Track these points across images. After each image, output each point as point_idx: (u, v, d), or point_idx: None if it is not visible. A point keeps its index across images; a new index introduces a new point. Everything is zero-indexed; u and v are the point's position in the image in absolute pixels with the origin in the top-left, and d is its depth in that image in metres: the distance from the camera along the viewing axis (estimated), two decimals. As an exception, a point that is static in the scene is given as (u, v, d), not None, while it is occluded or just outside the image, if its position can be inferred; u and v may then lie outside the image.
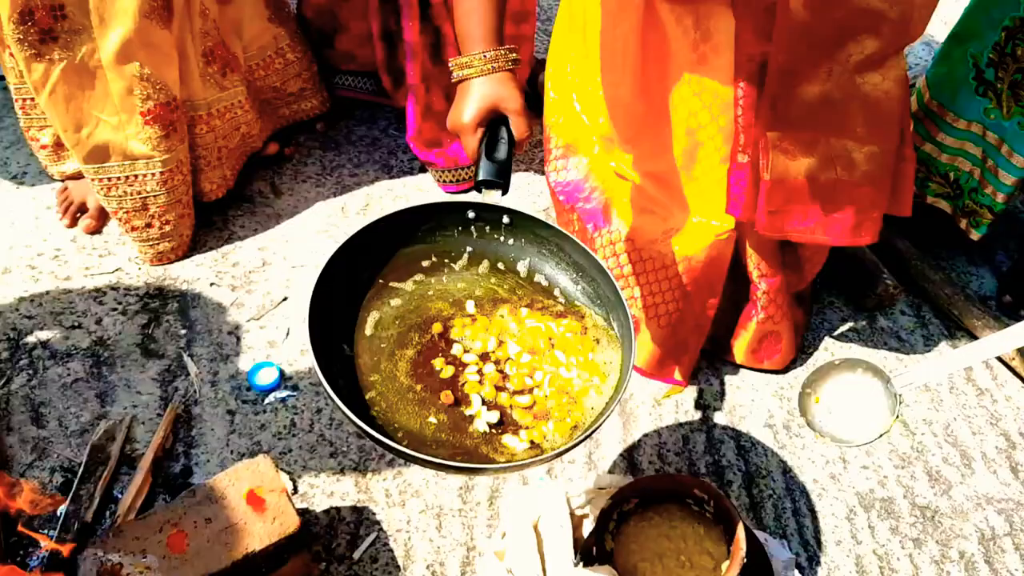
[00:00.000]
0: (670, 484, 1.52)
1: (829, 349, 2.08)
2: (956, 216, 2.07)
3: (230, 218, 2.33)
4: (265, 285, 2.16)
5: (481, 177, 1.30)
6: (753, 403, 1.96)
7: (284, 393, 1.93)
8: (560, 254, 1.36)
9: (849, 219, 1.61)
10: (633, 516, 1.53)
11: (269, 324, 2.08)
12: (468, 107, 1.30)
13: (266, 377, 1.95)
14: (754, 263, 1.83)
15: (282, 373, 1.97)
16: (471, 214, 1.36)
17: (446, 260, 1.37)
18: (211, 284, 2.16)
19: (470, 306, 1.33)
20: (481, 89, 1.29)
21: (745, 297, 1.92)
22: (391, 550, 1.69)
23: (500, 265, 1.38)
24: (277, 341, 2.05)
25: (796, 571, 1.63)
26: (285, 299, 2.13)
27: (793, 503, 1.79)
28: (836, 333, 2.11)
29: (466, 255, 1.38)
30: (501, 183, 1.30)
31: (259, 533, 1.48)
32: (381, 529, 1.72)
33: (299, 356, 2.01)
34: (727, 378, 2.00)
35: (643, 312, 1.88)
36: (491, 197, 1.30)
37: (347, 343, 1.26)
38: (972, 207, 2.03)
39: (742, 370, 2.02)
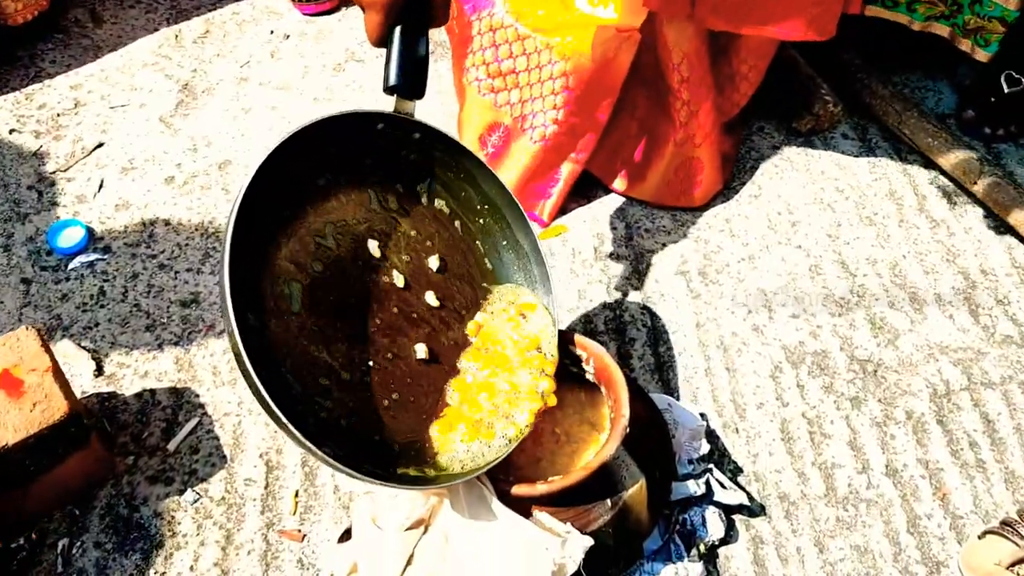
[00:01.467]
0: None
1: (757, 183, 1.75)
2: (956, 39, 1.68)
3: (39, 53, 1.92)
4: (76, 130, 1.78)
5: (394, 82, 1.00)
6: (664, 248, 1.65)
7: (92, 256, 1.59)
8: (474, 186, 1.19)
9: (806, 7, 1.35)
10: (495, 383, 1.23)
11: (79, 176, 1.71)
12: None
13: (70, 238, 1.60)
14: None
15: (90, 233, 1.62)
16: (380, 126, 1.08)
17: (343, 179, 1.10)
18: (11, 131, 1.78)
19: (373, 246, 1.11)
20: None
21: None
22: (216, 438, 1.39)
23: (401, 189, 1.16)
24: (87, 196, 1.69)
25: (705, 441, 1.35)
26: (100, 145, 1.76)
27: (707, 361, 1.50)
28: (766, 163, 1.78)
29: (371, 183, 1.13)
30: (418, 88, 1.03)
31: (13, 423, 1.16)
32: (205, 414, 1.42)
33: (113, 212, 1.66)
34: (632, 218, 1.68)
35: (515, 122, 1.54)
36: (405, 106, 1.05)
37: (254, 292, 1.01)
38: (977, 22, 1.64)
39: (652, 210, 1.69)
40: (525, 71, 1.52)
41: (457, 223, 1.19)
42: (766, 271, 1.61)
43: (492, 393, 1.11)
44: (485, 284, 1.20)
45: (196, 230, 1.64)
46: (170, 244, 1.62)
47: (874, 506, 1.35)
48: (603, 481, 1.11)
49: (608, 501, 1.12)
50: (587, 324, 1.54)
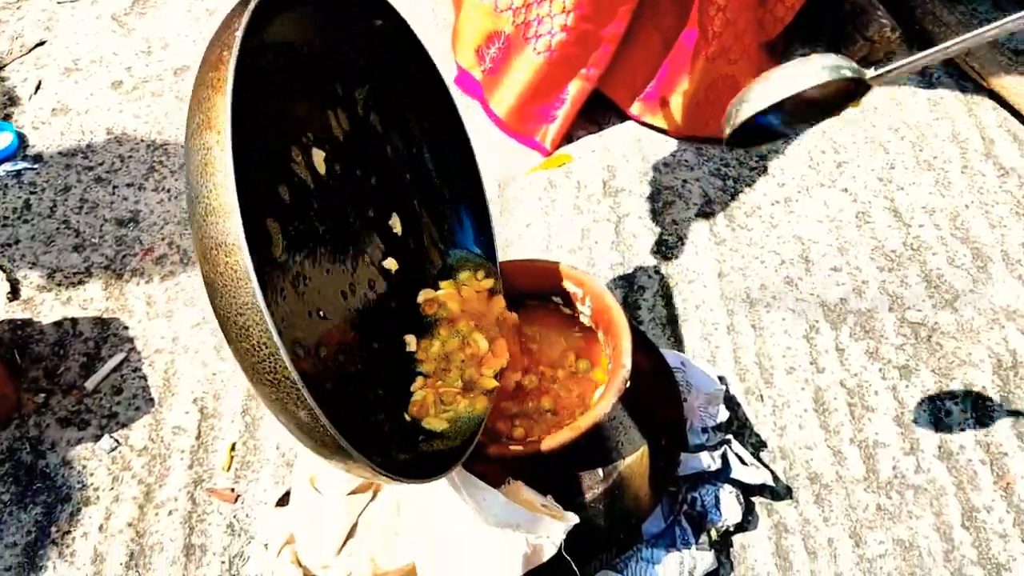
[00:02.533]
0: (527, 273, 0.99)
1: (798, 115, 1.51)
2: None
3: (-16, -59, 1.71)
4: (17, 26, 1.58)
5: None
6: (685, 186, 1.42)
7: (20, 165, 1.38)
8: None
9: None
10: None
11: (14, 76, 1.51)
12: None
13: (-3, 143, 1.39)
14: None
15: (21, 139, 1.41)
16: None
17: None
18: (-57, 25, 1.57)
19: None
20: None
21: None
22: (144, 377, 1.18)
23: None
24: (21, 98, 1.48)
25: (723, 407, 1.13)
26: (41, 43, 1.55)
27: (729, 316, 1.28)
28: (809, 94, 1.54)
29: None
30: None
31: None
32: (133, 349, 1.21)
33: (49, 117, 1.45)
34: (650, 150, 1.46)
35: (518, 31, 1.31)
36: None
37: None
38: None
39: (673, 141, 1.46)
40: None
41: (388, 148, 0.95)
42: (805, 216, 1.39)
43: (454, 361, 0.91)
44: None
45: (142, 141, 1.43)
46: (111, 155, 1.41)
47: (923, 494, 1.13)
48: (594, 446, 0.90)
49: (600, 471, 0.91)
50: (589, 267, 1.32)
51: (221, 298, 0.60)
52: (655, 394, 0.99)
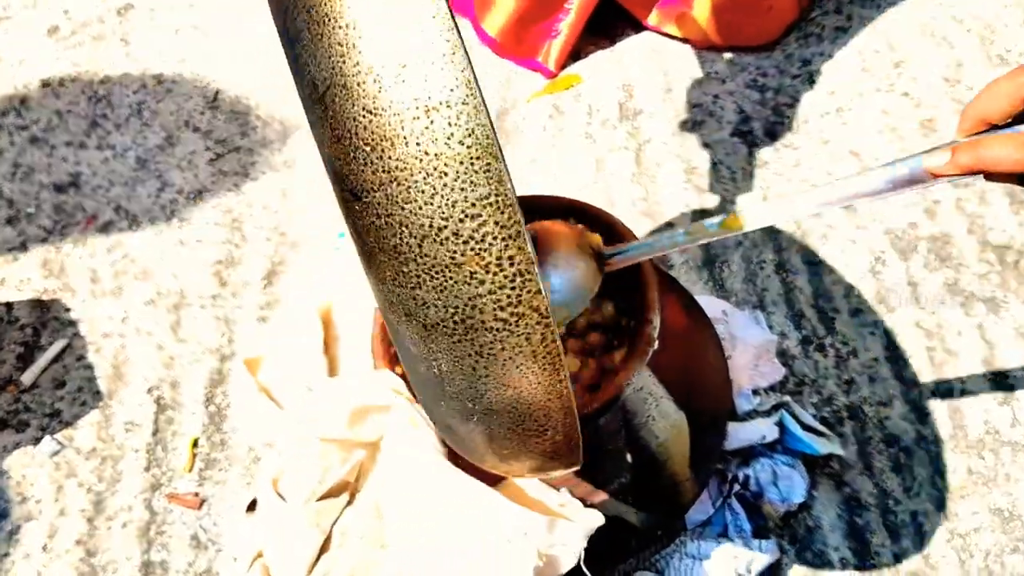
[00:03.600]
0: (534, 207, 0.80)
1: (845, 11, 1.30)
2: None
3: None
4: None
5: None
6: (717, 102, 1.21)
7: (-56, 130, 1.21)
8: None
9: None
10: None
11: (-63, 29, 1.33)
12: None
13: (-83, 107, 1.21)
14: None
15: (-56, 100, 1.23)
16: None
17: None
18: None
19: None
20: None
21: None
22: (90, 366, 1.02)
23: None
24: (-55, 53, 1.30)
25: (777, 362, 0.94)
26: (-33, -10, 1.36)
27: (777, 254, 1.08)
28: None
29: None
30: None
31: None
32: (77, 334, 1.04)
33: (-23, 73, 1.27)
34: (671, 63, 1.25)
35: None
36: None
37: None
38: None
39: (700, 52, 1.26)
40: None
41: None
42: (860, 128, 1.18)
43: None
44: None
45: (82, 93, 1.25)
46: (47, 112, 1.23)
47: (1022, 452, 0.94)
48: (617, 425, 0.71)
49: (627, 455, 0.72)
50: (607, 205, 1.13)
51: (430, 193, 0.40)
52: (692, 355, 0.80)
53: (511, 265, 0.40)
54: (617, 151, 1.18)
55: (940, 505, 0.92)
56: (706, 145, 1.17)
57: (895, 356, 1.01)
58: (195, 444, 0.98)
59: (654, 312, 0.69)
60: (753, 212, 0.52)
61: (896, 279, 1.06)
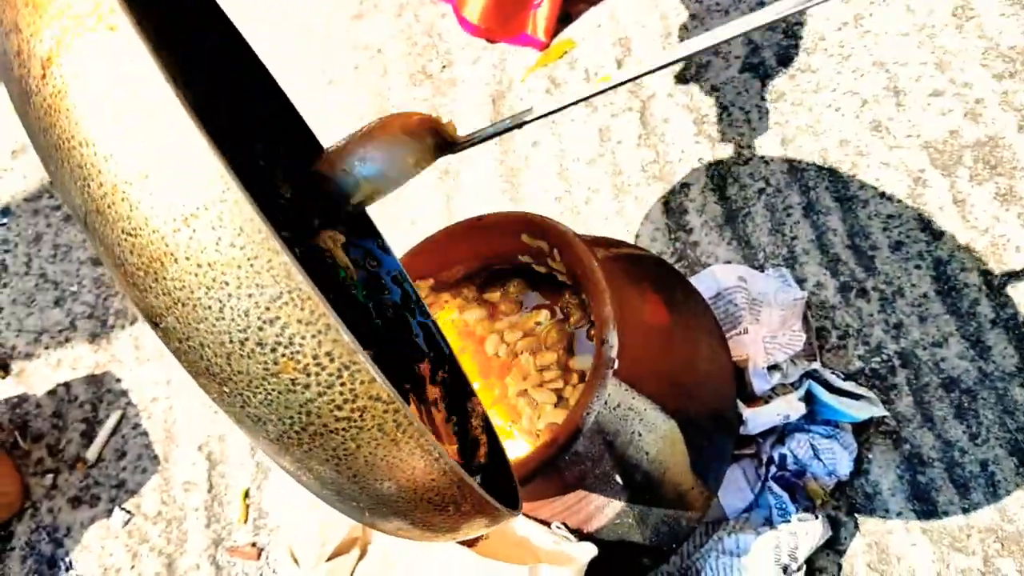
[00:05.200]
0: (478, 236, 0.78)
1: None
2: None
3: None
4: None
5: None
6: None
7: (-11, 224, 1.29)
8: None
9: None
10: (432, 310, 0.81)
11: (-30, 125, 1.41)
12: None
13: (-38, 207, 1.30)
14: None
15: (-15, 194, 1.32)
16: None
17: None
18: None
19: None
20: None
21: None
22: (145, 433, 1.08)
23: None
24: (-19, 148, 1.38)
25: (799, 329, 0.88)
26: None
27: (803, 195, 1.00)
28: None
29: None
30: None
31: None
32: (129, 403, 1.10)
33: (10, 162, 1.34)
34: (667, 5, 1.17)
35: None
36: None
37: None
38: None
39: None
40: None
41: None
42: (884, 34, 1.07)
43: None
44: None
45: (102, 162, 1.30)
46: (74, 187, 1.29)
47: (1108, 376, 0.85)
48: (598, 448, 0.69)
49: (616, 476, 0.70)
50: (616, 176, 1.08)
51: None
52: (680, 353, 0.76)
53: (331, 361, 0.38)
54: (621, 114, 1.12)
55: (1013, 450, 0.85)
56: (714, 88, 1.10)
57: (947, 289, 0.93)
58: (247, 495, 1.02)
59: (608, 330, 0.65)
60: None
61: (941, 199, 0.97)
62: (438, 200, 1.13)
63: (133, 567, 1.01)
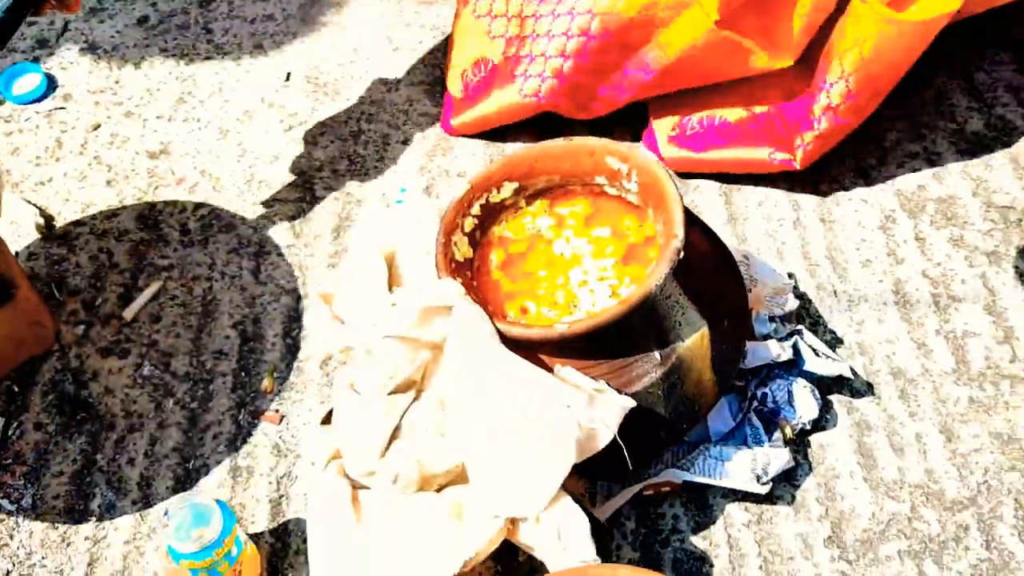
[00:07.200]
0: (564, 155, 0.96)
1: None
2: None
3: None
4: (41, -30, 1.58)
5: None
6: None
7: (50, 105, 1.39)
8: None
9: None
10: (508, 212, 0.98)
11: (41, 19, 1.52)
12: None
13: (26, 85, 1.40)
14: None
15: (50, 80, 1.42)
16: None
17: None
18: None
19: None
20: None
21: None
22: (182, 305, 1.18)
23: None
24: (50, 40, 1.49)
25: (792, 296, 1.08)
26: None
27: (795, 211, 1.22)
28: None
29: None
30: None
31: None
32: (170, 278, 1.21)
33: (77, 57, 1.46)
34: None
35: (506, 64, 1.27)
36: None
37: None
38: None
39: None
40: None
41: None
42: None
43: None
44: None
45: (170, 74, 1.43)
46: (139, 90, 1.41)
47: (1021, 383, 1.07)
48: (648, 325, 0.86)
49: (656, 353, 0.87)
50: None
51: None
52: (714, 275, 0.94)
53: None
54: (651, 123, 1.32)
55: (944, 428, 1.05)
56: (732, 117, 1.32)
57: (903, 300, 1.14)
58: (273, 370, 1.13)
59: (679, 228, 0.84)
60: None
61: (904, 235, 1.19)
62: (485, 160, 1.31)
63: (155, 415, 1.11)
